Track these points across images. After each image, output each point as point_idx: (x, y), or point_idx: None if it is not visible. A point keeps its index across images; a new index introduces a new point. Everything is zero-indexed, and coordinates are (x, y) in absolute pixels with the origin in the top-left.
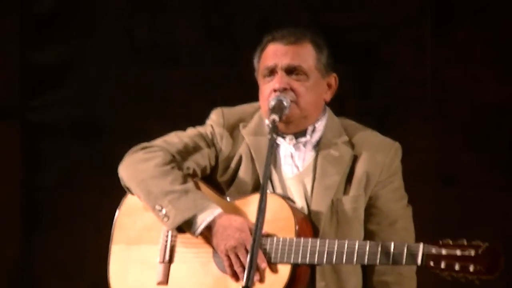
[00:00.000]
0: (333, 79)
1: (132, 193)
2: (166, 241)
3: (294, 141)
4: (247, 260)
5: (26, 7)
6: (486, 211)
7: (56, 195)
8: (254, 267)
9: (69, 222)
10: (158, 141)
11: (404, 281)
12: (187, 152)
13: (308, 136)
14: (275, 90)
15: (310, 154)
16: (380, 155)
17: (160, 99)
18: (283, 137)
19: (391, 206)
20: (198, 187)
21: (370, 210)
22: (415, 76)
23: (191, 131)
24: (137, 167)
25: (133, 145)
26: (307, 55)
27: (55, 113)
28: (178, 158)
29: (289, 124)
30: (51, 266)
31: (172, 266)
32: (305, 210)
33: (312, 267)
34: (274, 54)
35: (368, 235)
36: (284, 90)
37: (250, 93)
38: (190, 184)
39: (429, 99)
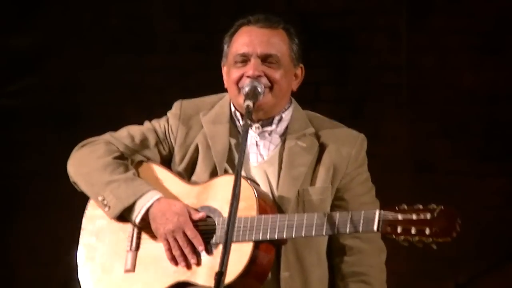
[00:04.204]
0: (300, 69)
1: (79, 188)
2: (133, 229)
3: (260, 129)
4: (189, 244)
5: None
6: (461, 198)
7: (30, 182)
8: (228, 252)
9: (44, 210)
10: (104, 135)
11: (375, 272)
12: (133, 145)
13: (274, 126)
14: (248, 76)
15: (275, 144)
16: (346, 147)
17: (136, 86)
18: (250, 126)
19: (360, 199)
20: (153, 172)
21: (338, 202)
22: (390, 63)
23: (145, 125)
24: (80, 161)
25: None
26: (281, 42)
27: (30, 100)
28: (124, 151)
29: (259, 111)
30: (26, 253)
31: (139, 253)
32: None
33: (277, 258)
34: (249, 40)
35: None
36: (258, 77)
37: None
38: (130, 173)
39: (404, 87)
